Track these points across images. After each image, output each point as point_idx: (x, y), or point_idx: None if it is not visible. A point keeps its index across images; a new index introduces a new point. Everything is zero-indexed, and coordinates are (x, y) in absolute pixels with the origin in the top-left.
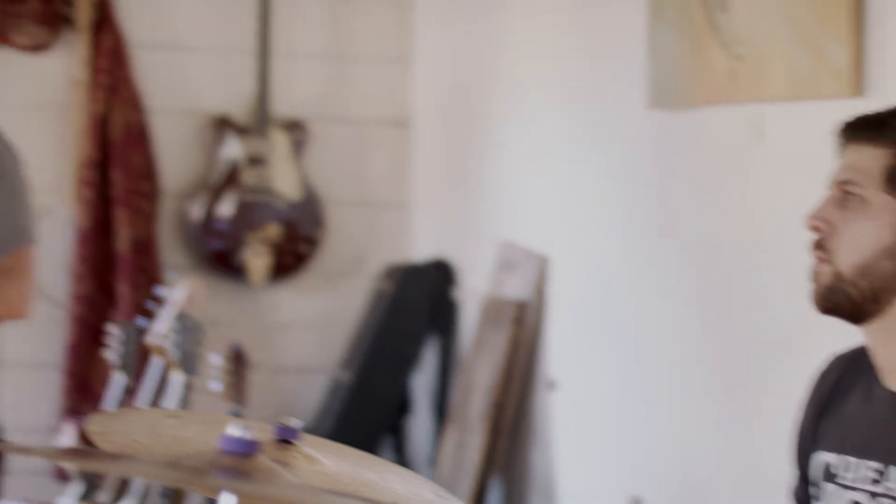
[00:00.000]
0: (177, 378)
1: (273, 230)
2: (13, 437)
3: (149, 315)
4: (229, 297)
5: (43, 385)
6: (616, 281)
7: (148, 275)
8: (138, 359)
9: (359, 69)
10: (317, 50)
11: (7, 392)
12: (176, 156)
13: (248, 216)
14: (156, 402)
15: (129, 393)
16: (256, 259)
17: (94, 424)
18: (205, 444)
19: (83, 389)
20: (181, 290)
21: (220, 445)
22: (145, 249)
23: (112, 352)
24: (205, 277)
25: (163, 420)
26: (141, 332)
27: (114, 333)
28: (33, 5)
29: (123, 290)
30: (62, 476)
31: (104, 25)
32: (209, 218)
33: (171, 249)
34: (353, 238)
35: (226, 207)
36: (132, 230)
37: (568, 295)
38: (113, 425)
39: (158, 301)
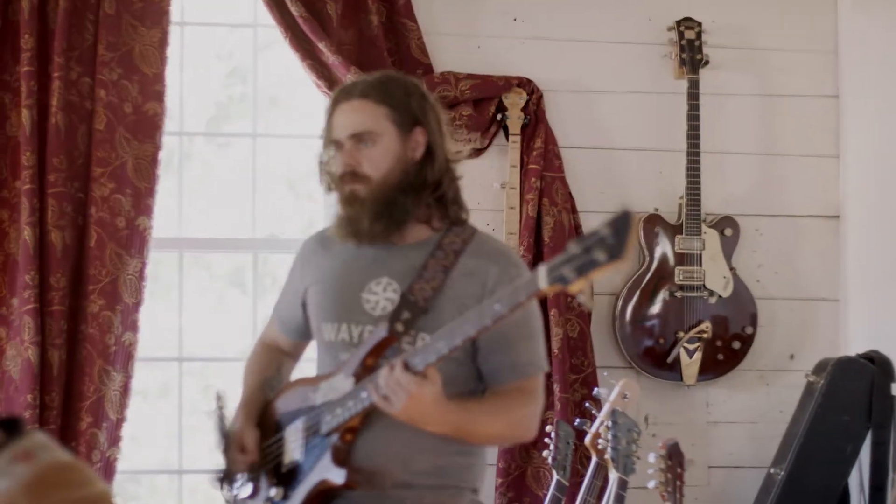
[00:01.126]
0: (613, 477)
1: (705, 327)
2: None
3: (584, 415)
4: (661, 395)
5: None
6: None
7: (580, 374)
8: (574, 458)
9: (787, 164)
10: (745, 147)
11: None
12: None
13: (680, 314)
14: (594, 501)
15: (566, 492)
16: (689, 357)
17: None
18: None
19: (518, 488)
20: (616, 389)
21: None
22: (577, 349)
23: (549, 451)
24: (636, 376)
25: None
26: (577, 431)
27: (551, 433)
28: (467, 112)
29: (556, 388)
30: None
31: (535, 129)
32: (641, 316)
33: (602, 348)
34: (784, 334)
35: (657, 306)
36: (565, 329)
37: None
38: None
39: (594, 401)
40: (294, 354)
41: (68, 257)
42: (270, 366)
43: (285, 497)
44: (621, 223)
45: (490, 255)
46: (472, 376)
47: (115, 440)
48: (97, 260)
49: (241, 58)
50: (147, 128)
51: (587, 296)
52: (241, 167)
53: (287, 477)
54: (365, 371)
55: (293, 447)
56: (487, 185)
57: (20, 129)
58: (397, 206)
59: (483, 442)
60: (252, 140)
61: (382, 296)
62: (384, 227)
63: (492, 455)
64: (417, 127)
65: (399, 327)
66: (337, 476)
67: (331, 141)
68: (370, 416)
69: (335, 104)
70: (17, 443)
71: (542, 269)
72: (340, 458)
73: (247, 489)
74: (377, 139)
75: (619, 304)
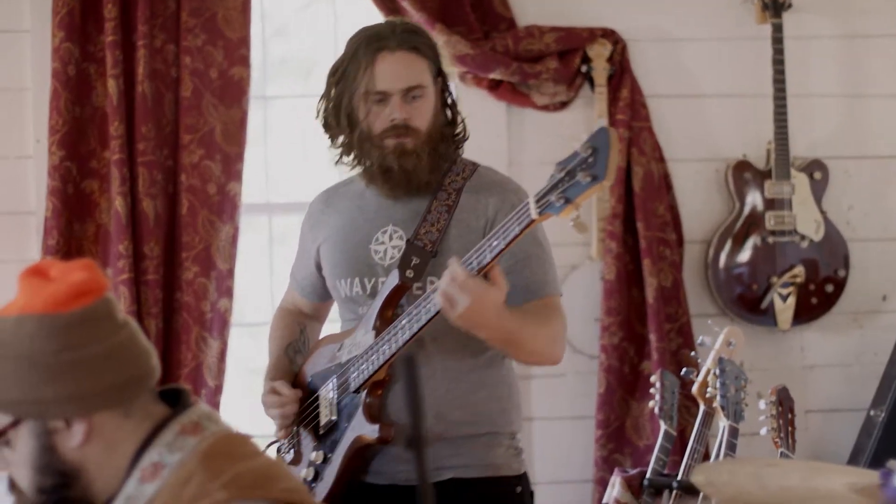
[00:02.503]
0: (723, 425)
1: (797, 272)
2: (547, 489)
3: (689, 364)
4: (755, 341)
5: (575, 437)
6: None
7: (675, 323)
8: (681, 408)
9: (874, 105)
10: (831, 89)
11: (539, 445)
12: (697, 203)
13: (772, 259)
14: (703, 450)
15: (675, 442)
16: (782, 302)
17: (699, 475)
18: (810, 491)
19: (617, 440)
20: (721, 337)
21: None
22: (672, 298)
23: (655, 402)
24: (730, 323)
25: (763, 469)
26: (682, 381)
27: (655, 383)
28: (553, 65)
29: (652, 339)
30: None
31: (621, 80)
32: (733, 263)
33: (695, 297)
34: (877, 275)
35: (749, 252)
36: (658, 279)
37: None
38: (717, 476)
39: (697, 349)
40: (317, 317)
41: (161, 226)
42: (293, 331)
43: (325, 459)
44: (600, 141)
45: (488, 188)
46: None
47: (213, 407)
48: (189, 227)
49: (320, 20)
50: (233, 92)
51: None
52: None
53: (325, 438)
54: (384, 323)
55: (327, 408)
56: (574, 137)
57: (107, 99)
58: (442, 156)
59: (523, 356)
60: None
61: (389, 244)
62: (438, 177)
63: (587, 407)
64: (440, 77)
65: (409, 274)
66: (370, 432)
67: (374, 92)
68: (397, 369)
69: (375, 53)
70: (184, 415)
71: (532, 200)
72: (372, 414)
73: (289, 455)
74: (425, 93)
75: (711, 251)
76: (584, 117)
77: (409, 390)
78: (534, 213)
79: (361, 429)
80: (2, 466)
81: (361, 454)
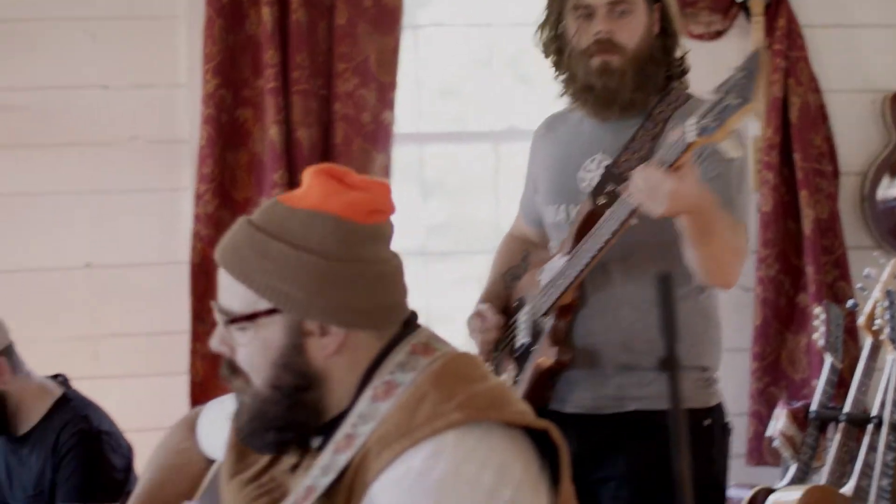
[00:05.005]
0: (891, 357)
1: None
2: None
3: (846, 296)
4: None
5: (731, 370)
6: None
7: (831, 255)
8: (845, 340)
9: None
10: None
11: None
12: (852, 134)
13: None
14: (868, 382)
15: (839, 374)
16: None
17: None
18: None
19: (773, 373)
20: (887, 269)
21: None
22: (828, 230)
23: (819, 334)
24: (886, 256)
25: None
26: (847, 312)
27: (819, 316)
28: None
29: (809, 271)
30: (759, 459)
31: (777, 9)
32: (889, 196)
33: (851, 229)
34: None
35: None
36: (814, 211)
37: None
38: None
39: (862, 281)
40: (542, 244)
41: (315, 155)
42: (514, 256)
43: (515, 383)
44: (752, 64)
45: (690, 114)
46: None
47: None
48: (344, 156)
49: None
50: (388, 20)
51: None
52: (473, 59)
53: (518, 362)
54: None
55: (521, 331)
56: (729, 66)
57: (260, 27)
58: (651, 79)
59: (714, 253)
60: (486, 29)
61: (595, 172)
62: (643, 98)
63: (743, 340)
64: (656, 3)
65: (601, 200)
66: (549, 356)
67: (581, 6)
68: (588, 294)
69: None
70: (414, 335)
71: (690, 123)
72: (556, 337)
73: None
74: (633, 9)
75: (867, 184)
76: (739, 47)
77: (662, 309)
78: (691, 137)
79: (542, 352)
80: (224, 345)
81: (542, 378)
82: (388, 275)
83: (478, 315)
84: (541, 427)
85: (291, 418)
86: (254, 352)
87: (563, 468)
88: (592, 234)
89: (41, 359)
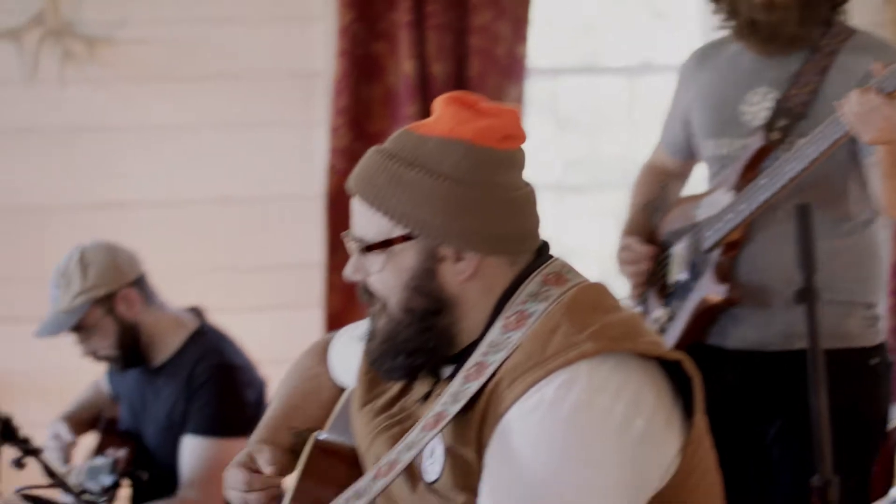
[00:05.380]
0: None
1: None
2: None
3: None
4: None
5: None
6: None
7: None
8: None
9: None
10: None
11: None
12: None
13: None
14: None
15: None
16: None
17: None
18: None
19: None
20: None
21: None
22: None
23: None
24: None
25: None
26: None
27: None
28: None
29: None
30: None
31: None
32: None
33: None
34: None
35: None
36: None
37: None
38: None
39: None
40: (682, 175)
41: (449, 88)
42: (653, 189)
43: (672, 318)
44: None
45: (867, 47)
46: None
47: None
48: (478, 90)
49: None
50: None
51: None
52: None
53: (673, 296)
54: (745, 184)
55: (677, 266)
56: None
57: None
58: (815, 12)
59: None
60: None
61: (760, 106)
62: (808, 32)
63: None
64: None
65: (775, 135)
66: (718, 292)
67: None
68: (753, 229)
69: None
70: (546, 266)
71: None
72: (722, 274)
73: (636, 310)
74: None
75: None
76: None
77: (800, 240)
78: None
79: (709, 289)
80: (358, 273)
81: (707, 315)
82: (522, 201)
83: (626, 248)
84: (674, 358)
85: (422, 343)
86: (388, 277)
87: (696, 400)
88: (769, 174)
89: (176, 291)
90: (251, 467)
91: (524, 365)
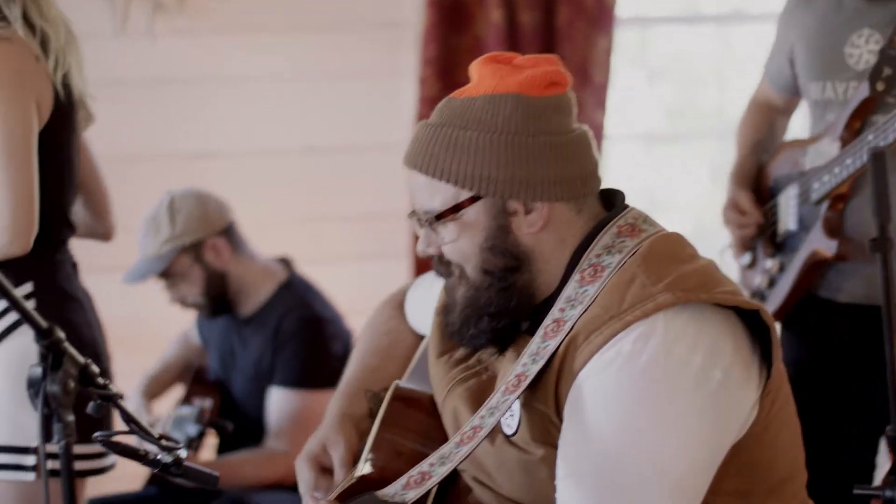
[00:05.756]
0: None
1: None
2: None
3: None
4: None
5: None
6: None
7: None
8: None
9: None
10: None
11: None
12: None
13: None
14: None
15: None
16: None
17: None
18: None
19: None
20: None
21: None
22: None
23: None
24: None
25: None
26: None
27: None
28: None
29: None
30: None
31: None
32: None
33: None
34: None
35: None
36: None
37: None
38: None
39: None
40: (787, 110)
41: (537, 37)
42: (761, 128)
43: (782, 268)
44: None
45: None
46: None
47: None
48: (566, 39)
49: None
50: None
51: None
52: None
53: (783, 247)
54: (850, 135)
55: (786, 216)
56: None
57: None
58: None
59: None
60: None
61: (865, 48)
62: None
63: None
64: None
65: (880, 86)
66: (828, 247)
67: None
68: (860, 183)
69: None
70: (621, 217)
71: None
72: (832, 228)
73: (745, 258)
74: None
75: None
76: None
77: (875, 187)
78: None
79: (819, 242)
80: (431, 247)
81: (817, 268)
82: (577, 143)
83: (735, 208)
84: (751, 307)
85: (504, 303)
86: (463, 243)
87: (774, 349)
88: (876, 130)
89: (263, 241)
90: (322, 462)
91: (600, 318)
